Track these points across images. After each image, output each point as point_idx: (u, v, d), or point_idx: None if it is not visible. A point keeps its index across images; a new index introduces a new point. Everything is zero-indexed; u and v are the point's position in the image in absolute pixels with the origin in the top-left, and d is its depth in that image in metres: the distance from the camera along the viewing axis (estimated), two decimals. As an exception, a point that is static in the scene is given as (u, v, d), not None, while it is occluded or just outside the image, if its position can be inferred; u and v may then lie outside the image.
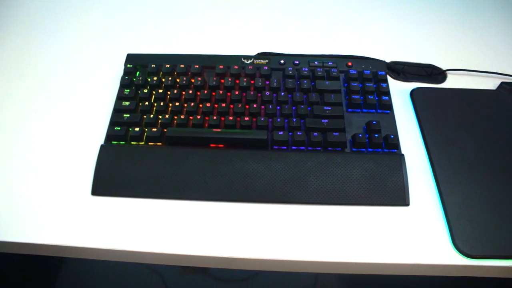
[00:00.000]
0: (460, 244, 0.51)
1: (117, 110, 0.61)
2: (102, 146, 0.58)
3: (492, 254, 0.51)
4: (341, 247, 0.51)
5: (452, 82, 0.70)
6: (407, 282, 1.14)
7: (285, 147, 0.58)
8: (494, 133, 0.62)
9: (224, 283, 1.21)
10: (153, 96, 0.62)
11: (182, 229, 0.52)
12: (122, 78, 0.64)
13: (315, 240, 0.52)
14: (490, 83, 0.69)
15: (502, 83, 0.68)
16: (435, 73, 0.71)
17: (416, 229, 0.53)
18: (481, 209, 0.54)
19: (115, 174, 0.56)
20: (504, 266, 0.51)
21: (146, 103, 0.61)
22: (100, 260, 0.55)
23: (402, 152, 0.59)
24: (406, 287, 1.14)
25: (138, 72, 0.65)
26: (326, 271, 0.53)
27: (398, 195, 0.55)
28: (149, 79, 0.64)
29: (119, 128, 0.58)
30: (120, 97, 0.62)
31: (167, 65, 0.65)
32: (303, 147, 0.58)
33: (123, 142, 0.58)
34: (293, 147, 0.58)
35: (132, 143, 0.58)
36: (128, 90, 0.62)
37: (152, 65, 0.65)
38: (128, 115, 0.60)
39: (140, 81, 0.63)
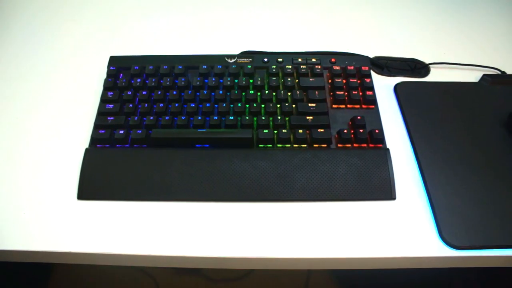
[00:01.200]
0: (447, 236, 0.52)
1: (101, 113, 0.60)
2: (86, 149, 0.57)
3: (478, 244, 0.51)
4: (329, 243, 0.52)
5: (435, 75, 0.70)
6: (398, 276, 1.15)
7: (270, 145, 0.58)
8: (478, 125, 0.62)
9: (217, 283, 1.21)
10: (137, 98, 0.62)
11: (171, 230, 0.52)
12: (105, 81, 0.63)
13: (303, 237, 0.52)
14: (473, 76, 0.70)
15: (484, 75, 0.69)
16: (419, 67, 0.71)
17: (403, 222, 0.53)
18: (467, 201, 0.55)
19: (101, 178, 0.55)
20: (490, 255, 0.51)
21: (130, 105, 0.61)
22: (91, 265, 0.54)
23: (388, 146, 0.59)
24: (397, 281, 1.15)
25: (121, 74, 0.65)
26: (316, 267, 0.53)
27: (384, 190, 0.55)
28: (132, 81, 0.63)
29: (103, 131, 0.58)
30: (103, 100, 0.61)
31: (150, 67, 0.65)
32: (289, 145, 0.58)
33: (108, 145, 0.58)
34: (279, 145, 0.58)
35: (117, 145, 0.58)
36: (111, 93, 0.62)
37: (135, 67, 0.65)
38: (112, 118, 0.59)
39: (123, 83, 0.63)
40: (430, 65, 0.71)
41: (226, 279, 1.21)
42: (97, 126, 0.59)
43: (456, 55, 0.73)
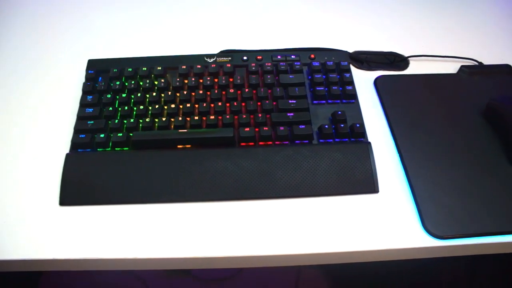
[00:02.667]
0: (430, 226, 0.52)
1: (81, 118, 0.60)
2: (67, 154, 0.57)
3: (460, 233, 0.52)
4: (315, 238, 0.52)
5: (414, 68, 0.71)
6: (387, 269, 1.16)
7: (252, 143, 0.58)
8: (457, 115, 0.63)
9: (208, 284, 1.21)
10: (117, 101, 0.61)
11: (157, 232, 0.52)
12: (84, 85, 0.63)
13: (289, 234, 0.52)
14: (451, 67, 0.71)
15: (462, 66, 0.70)
16: (398, 61, 0.72)
17: (387, 215, 0.54)
18: (449, 191, 0.55)
19: (83, 183, 0.55)
20: (472, 244, 0.52)
21: (110, 108, 0.60)
22: (80, 271, 0.54)
23: (369, 140, 0.59)
24: (386, 273, 1.16)
25: (100, 78, 0.64)
26: (303, 263, 0.53)
27: (367, 183, 0.55)
28: (111, 84, 0.63)
29: (83, 136, 0.57)
30: (83, 104, 0.61)
31: (129, 69, 0.64)
32: (271, 142, 0.58)
33: (89, 149, 0.57)
34: (261, 143, 0.58)
35: (98, 149, 0.57)
36: (91, 97, 0.61)
37: (114, 70, 0.64)
38: (92, 122, 0.59)
39: (102, 87, 0.62)
40: (409, 58, 0.72)
41: (217, 279, 1.21)
42: (77, 130, 0.58)
43: (434, 47, 0.74)
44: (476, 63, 0.71)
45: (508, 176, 0.57)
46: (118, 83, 0.63)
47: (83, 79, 0.65)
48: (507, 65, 0.70)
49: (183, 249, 0.51)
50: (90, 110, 0.60)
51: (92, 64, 0.66)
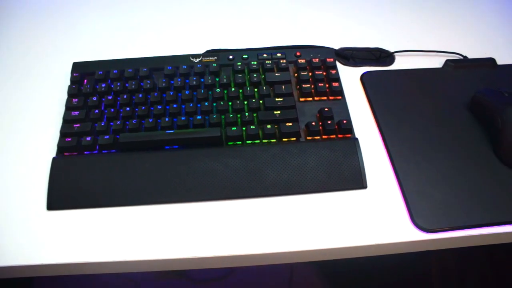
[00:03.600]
0: (419, 220, 0.53)
1: (67, 121, 0.59)
2: (54, 158, 0.56)
3: (448, 226, 0.52)
4: (305, 235, 0.52)
5: (400, 63, 0.71)
6: (380, 264, 1.17)
7: (240, 142, 0.58)
8: (443, 109, 0.64)
9: (201, 284, 1.21)
10: (103, 103, 0.61)
11: (146, 234, 0.52)
12: (69, 88, 0.62)
13: (279, 231, 0.52)
14: (436, 62, 0.71)
15: (447, 60, 0.70)
16: (384, 56, 0.72)
17: (375, 210, 0.54)
18: (436, 184, 0.56)
19: (71, 186, 0.54)
20: (461, 236, 0.52)
21: (96, 111, 0.60)
22: (71, 276, 0.53)
23: (356, 136, 0.59)
24: (381, 269, 1.16)
25: (86, 80, 0.64)
26: (294, 260, 0.53)
27: (355, 179, 0.56)
28: (97, 86, 0.62)
29: (70, 139, 0.57)
30: (68, 107, 0.60)
31: (114, 71, 0.64)
32: (258, 141, 0.58)
33: (76, 153, 0.57)
34: (248, 141, 0.58)
35: (85, 152, 0.57)
36: (76, 100, 0.61)
37: (99, 72, 0.64)
38: (78, 125, 0.58)
39: (88, 89, 0.62)
40: (394, 54, 0.72)
41: (209, 280, 1.21)
42: (63, 134, 0.58)
43: (420, 42, 0.74)
44: (461, 57, 0.72)
45: (494, 167, 0.57)
46: (103, 85, 0.62)
47: (68, 82, 0.64)
48: (491, 59, 0.70)
49: (174, 250, 0.51)
50: (76, 113, 0.59)
51: (77, 67, 0.66)
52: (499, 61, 0.70)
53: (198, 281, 1.21)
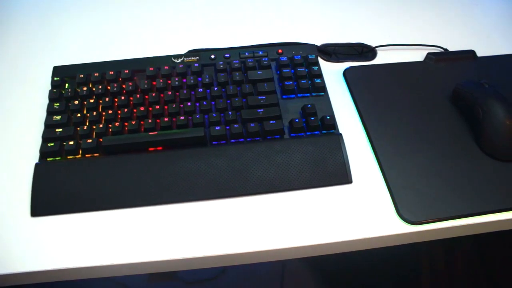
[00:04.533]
0: (404, 213, 0.53)
1: (49, 126, 0.58)
2: (37, 164, 0.56)
3: (434, 218, 0.53)
4: (292, 232, 0.52)
5: (382, 57, 0.72)
6: (371, 258, 1.17)
7: (224, 142, 0.57)
8: (425, 102, 0.64)
9: (193, 285, 1.20)
10: (85, 107, 0.60)
11: (133, 237, 0.52)
12: (50, 92, 0.62)
13: (266, 229, 0.52)
14: (418, 55, 0.72)
15: (428, 53, 0.71)
16: (366, 51, 0.72)
17: (362, 204, 0.54)
18: (421, 177, 0.56)
19: (54, 192, 0.54)
20: (446, 227, 0.53)
21: (78, 114, 0.59)
22: (58, 282, 0.53)
23: (340, 131, 0.60)
24: (372, 262, 1.17)
25: (67, 84, 0.63)
26: (283, 258, 0.54)
27: (340, 174, 0.56)
28: (78, 90, 0.62)
29: (52, 144, 0.56)
30: (50, 112, 0.60)
31: (96, 74, 0.63)
32: (242, 139, 0.58)
33: (59, 158, 0.57)
34: (232, 140, 0.58)
35: (68, 157, 0.57)
36: (58, 104, 0.60)
37: (81, 75, 0.63)
38: (60, 130, 0.58)
39: (69, 93, 0.61)
40: (376, 48, 0.73)
41: (202, 280, 1.21)
42: (45, 139, 0.57)
43: (401, 36, 0.75)
44: (442, 50, 0.72)
45: (476, 158, 0.58)
46: (85, 88, 0.62)
47: (49, 87, 0.64)
48: (471, 51, 0.71)
49: (163, 252, 0.51)
50: (58, 117, 0.59)
51: (58, 71, 0.65)
52: (479, 53, 0.71)
53: (190, 282, 1.21)
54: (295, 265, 1.22)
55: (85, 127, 0.58)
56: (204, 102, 0.60)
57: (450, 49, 0.72)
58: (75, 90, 0.62)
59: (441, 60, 0.70)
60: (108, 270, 0.51)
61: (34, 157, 0.57)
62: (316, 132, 0.59)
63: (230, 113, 0.59)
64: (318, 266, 1.22)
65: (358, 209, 0.54)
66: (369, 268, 1.17)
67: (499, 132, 0.57)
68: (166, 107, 0.60)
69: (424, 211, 0.53)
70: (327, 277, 1.20)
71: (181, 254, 0.50)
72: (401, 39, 0.74)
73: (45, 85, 0.65)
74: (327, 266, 1.21)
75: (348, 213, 0.54)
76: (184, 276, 1.21)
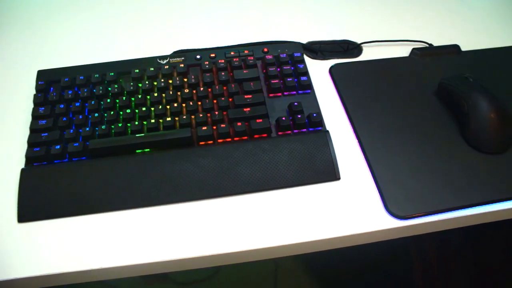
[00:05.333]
0: (392, 208, 0.53)
1: (34, 130, 0.58)
2: (23, 169, 0.55)
3: (422, 212, 0.53)
4: (282, 230, 0.52)
5: (367, 54, 0.72)
6: (364, 255, 1.18)
7: (211, 142, 0.57)
8: (411, 97, 0.65)
9: (186, 286, 1.20)
10: (71, 111, 0.60)
11: (123, 239, 0.51)
12: (35, 96, 0.61)
13: (256, 228, 0.52)
14: (403, 51, 0.72)
15: (413, 49, 0.71)
16: (351, 48, 0.72)
17: (350, 200, 0.55)
18: (408, 172, 0.56)
19: (41, 197, 0.53)
20: (434, 220, 0.53)
21: (64, 118, 0.59)
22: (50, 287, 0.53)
23: (327, 128, 0.60)
24: (363, 257, 1.18)
25: (51, 88, 0.63)
26: (273, 256, 0.54)
27: (328, 171, 0.56)
28: (63, 94, 0.61)
29: (38, 149, 0.56)
30: (35, 116, 0.59)
31: (80, 77, 0.63)
32: (229, 139, 0.58)
33: (45, 162, 0.56)
34: (219, 140, 0.58)
35: (55, 161, 0.56)
36: (43, 108, 0.60)
37: (65, 79, 0.63)
38: (46, 134, 0.57)
39: (54, 97, 0.61)
40: (362, 45, 0.73)
41: (195, 281, 1.20)
42: (31, 144, 0.57)
43: (386, 32, 0.75)
44: (427, 45, 0.73)
45: (463, 151, 0.58)
46: (70, 92, 0.61)
47: (33, 91, 0.63)
48: (455, 45, 0.72)
49: (153, 254, 0.50)
50: (43, 122, 0.58)
51: (42, 75, 0.64)
52: (463, 47, 0.72)
53: (183, 283, 1.20)
54: (288, 264, 1.22)
55: (71, 131, 0.58)
56: (191, 103, 0.60)
57: (435, 44, 0.73)
58: (60, 93, 0.62)
59: (426, 55, 0.70)
60: (98, 274, 0.51)
61: (19, 162, 0.57)
62: (303, 130, 0.59)
63: (216, 113, 0.59)
64: (310, 263, 1.22)
65: (347, 205, 0.54)
66: (361, 264, 1.18)
67: (484, 125, 0.58)
68: (152, 108, 0.60)
69: (412, 205, 0.54)
70: (319, 273, 1.21)
71: (172, 255, 0.50)
72: (386, 35, 0.74)
73: (30, 90, 0.64)
74: (319, 263, 1.22)
75: (336, 209, 0.54)
76: (177, 277, 1.21)
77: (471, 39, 0.74)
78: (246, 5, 0.81)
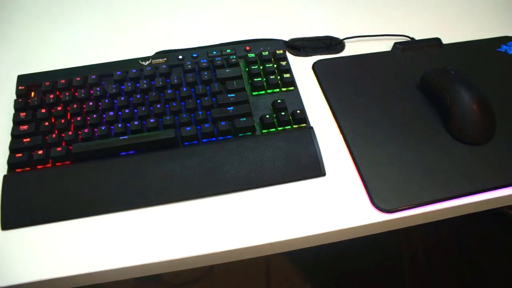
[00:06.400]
0: (378, 202, 0.54)
1: (16, 136, 0.57)
2: (5, 176, 0.55)
3: (408, 205, 0.54)
4: (269, 228, 0.52)
5: (350, 49, 0.72)
6: (353, 247, 1.19)
7: (195, 142, 0.57)
8: (394, 91, 0.65)
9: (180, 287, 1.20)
10: (53, 115, 0.59)
11: (111, 243, 0.51)
12: (16, 102, 0.60)
13: (243, 226, 0.52)
14: (385, 45, 0.72)
15: (395, 43, 0.72)
16: (334, 44, 0.73)
17: (336, 196, 0.55)
18: (393, 165, 0.57)
19: (25, 203, 0.53)
20: (420, 213, 0.54)
21: (46, 123, 0.58)
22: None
23: (312, 124, 0.60)
24: (353, 251, 1.19)
25: (32, 93, 0.62)
26: (262, 253, 0.54)
27: (313, 167, 0.56)
28: (45, 98, 0.61)
29: (20, 155, 0.55)
30: (17, 122, 0.58)
31: (62, 81, 0.62)
32: (214, 138, 0.58)
33: (28, 168, 0.55)
34: (204, 140, 0.57)
35: (38, 167, 0.56)
36: (24, 113, 0.59)
37: (46, 83, 0.62)
38: (28, 139, 0.57)
39: (36, 102, 0.60)
40: (344, 40, 0.73)
41: (188, 282, 1.20)
42: (13, 150, 0.56)
43: (368, 27, 0.76)
44: (409, 39, 0.73)
45: (446, 143, 0.59)
46: (52, 96, 0.61)
47: (14, 96, 0.62)
48: (436, 39, 0.72)
49: (142, 256, 0.50)
50: (25, 127, 0.58)
51: (23, 80, 0.63)
52: (444, 40, 0.72)
53: (176, 284, 1.20)
54: (279, 261, 1.23)
55: (54, 136, 0.57)
56: (174, 103, 0.59)
57: (417, 38, 0.73)
58: (41, 98, 0.61)
59: (408, 49, 0.71)
60: (87, 279, 0.50)
61: (2, 169, 0.56)
62: (287, 127, 0.59)
63: (200, 112, 0.58)
64: (301, 259, 1.23)
65: (333, 201, 0.54)
66: (350, 258, 1.19)
67: (466, 116, 0.58)
68: (135, 110, 0.59)
69: (397, 198, 0.54)
70: (310, 268, 1.22)
71: (163, 256, 0.50)
72: (369, 30, 0.75)
73: (10, 95, 0.64)
74: (310, 258, 1.23)
75: (323, 205, 0.54)
76: (171, 279, 1.20)
77: (452, 32, 0.75)
78: (227, 4, 0.81)
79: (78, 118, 0.58)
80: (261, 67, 0.65)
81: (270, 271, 1.21)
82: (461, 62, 0.69)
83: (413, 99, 0.64)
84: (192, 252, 0.51)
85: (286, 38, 0.73)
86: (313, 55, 0.71)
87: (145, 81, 0.62)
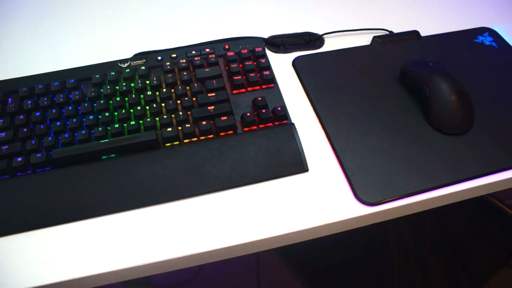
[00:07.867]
0: (362, 195, 0.54)
1: (-7, 144, 0.57)
2: (-16, 185, 0.54)
3: (391, 197, 0.54)
4: (254, 225, 0.52)
5: (329, 45, 0.72)
6: (341, 240, 1.19)
7: (177, 142, 0.57)
8: (374, 84, 0.65)
9: (171, 289, 1.20)
10: (31, 121, 0.59)
11: (95, 247, 0.51)
12: (-8, 109, 0.60)
13: (228, 225, 0.52)
14: (364, 39, 0.73)
15: (374, 37, 0.72)
16: (313, 40, 0.73)
17: (320, 191, 0.55)
18: (375, 159, 0.57)
19: (6, 211, 0.52)
20: (403, 205, 0.54)
21: (25, 129, 0.57)
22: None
23: (293, 121, 0.60)
24: (342, 244, 1.19)
25: (9, 99, 0.61)
26: (248, 251, 0.53)
27: (296, 163, 0.56)
28: (23, 104, 0.60)
29: (-1, 162, 0.55)
30: (-6, 129, 0.58)
31: (39, 86, 0.61)
32: (195, 138, 0.57)
33: (7, 176, 0.55)
34: (185, 141, 0.57)
35: (18, 174, 0.55)
36: (1, 120, 0.58)
37: (23, 89, 0.61)
38: (6, 147, 0.56)
39: (13, 108, 0.59)
40: (323, 36, 0.73)
41: (177, 283, 1.20)
42: (-9, 158, 0.56)
43: (347, 22, 0.76)
44: (388, 33, 0.74)
45: (427, 134, 0.59)
46: (29, 102, 0.60)
47: (-10, 104, 0.62)
48: (415, 31, 0.73)
49: (127, 259, 0.50)
50: (3, 134, 0.57)
51: (-1, 86, 0.63)
52: (423, 33, 0.73)
53: (165, 286, 1.20)
54: (269, 258, 1.23)
55: (33, 142, 0.56)
56: (154, 105, 0.59)
57: (395, 31, 0.74)
58: (19, 104, 0.60)
59: (387, 43, 0.71)
60: (70, 285, 0.50)
61: (-19, 177, 0.55)
62: (268, 124, 0.59)
63: (180, 113, 0.58)
64: (290, 254, 1.23)
65: (317, 196, 0.54)
66: (339, 249, 1.19)
67: (446, 107, 0.59)
68: (115, 113, 0.59)
69: (380, 191, 0.54)
70: (300, 263, 1.22)
71: (149, 259, 0.50)
72: (347, 25, 0.75)
73: (-13, 102, 0.63)
74: (299, 253, 1.23)
75: (307, 201, 0.54)
76: (159, 281, 1.20)
77: (430, 25, 0.75)
78: (205, 3, 0.80)
79: (58, 123, 0.58)
80: (240, 66, 0.64)
81: (260, 269, 1.21)
82: (440, 54, 0.70)
83: (394, 92, 0.64)
84: (179, 253, 0.50)
85: (265, 35, 0.73)
86: (292, 52, 0.71)
87: (124, 83, 0.61)
